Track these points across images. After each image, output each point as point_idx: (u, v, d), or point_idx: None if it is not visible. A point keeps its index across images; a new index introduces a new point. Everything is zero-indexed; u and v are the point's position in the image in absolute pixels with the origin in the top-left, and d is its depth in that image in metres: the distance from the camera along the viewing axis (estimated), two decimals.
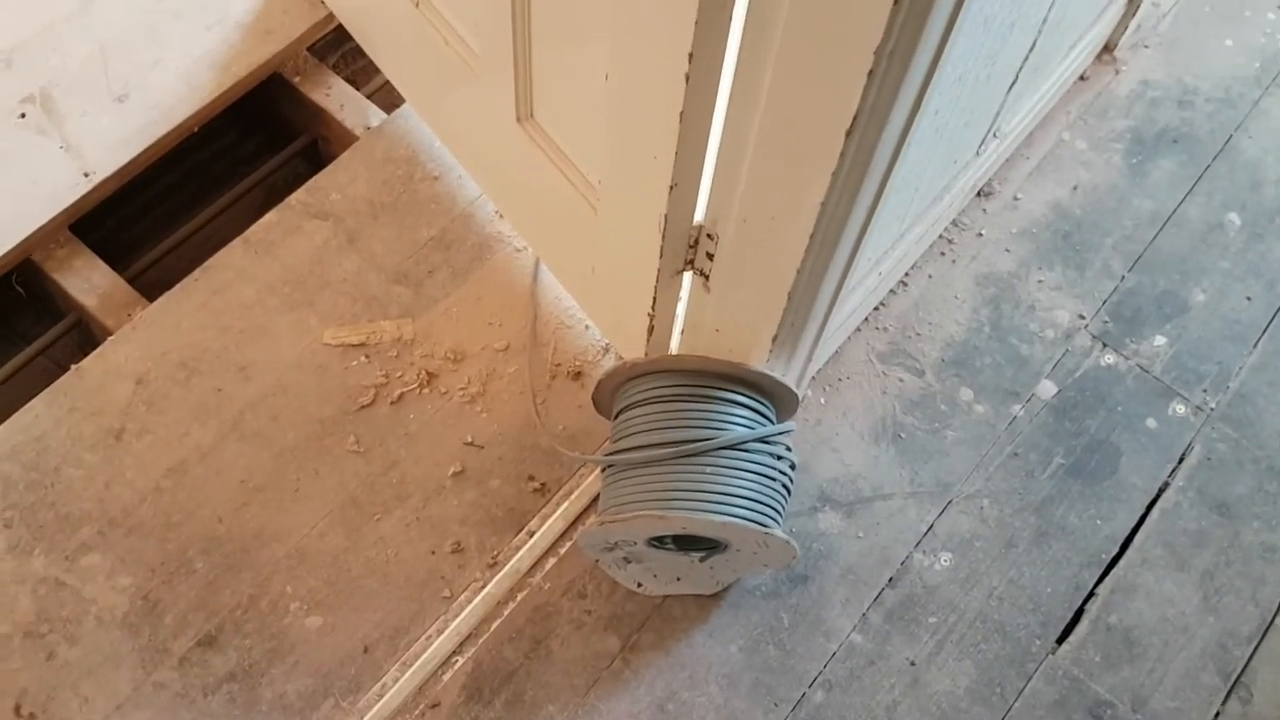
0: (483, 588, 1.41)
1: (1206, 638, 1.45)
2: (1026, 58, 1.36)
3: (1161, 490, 1.53)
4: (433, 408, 1.50)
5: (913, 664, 1.41)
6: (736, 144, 0.99)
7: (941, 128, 1.23)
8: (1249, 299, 1.67)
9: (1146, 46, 1.87)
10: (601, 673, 1.38)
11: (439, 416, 1.50)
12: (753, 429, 1.23)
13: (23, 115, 1.62)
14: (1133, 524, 1.51)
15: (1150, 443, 1.56)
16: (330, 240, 1.61)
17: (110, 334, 1.53)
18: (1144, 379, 1.60)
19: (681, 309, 1.27)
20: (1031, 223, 1.71)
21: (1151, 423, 1.57)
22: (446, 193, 1.65)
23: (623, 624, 1.41)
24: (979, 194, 1.72)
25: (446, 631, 1.38)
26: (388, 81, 1.72)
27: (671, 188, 1.05)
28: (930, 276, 1.66)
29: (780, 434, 1.25)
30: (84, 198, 1.58)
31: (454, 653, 1.38)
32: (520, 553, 1.43)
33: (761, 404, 1.26)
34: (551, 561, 1.43)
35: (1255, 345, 1.64)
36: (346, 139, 1.71)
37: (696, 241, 1.15)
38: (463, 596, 1.41)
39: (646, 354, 1.31)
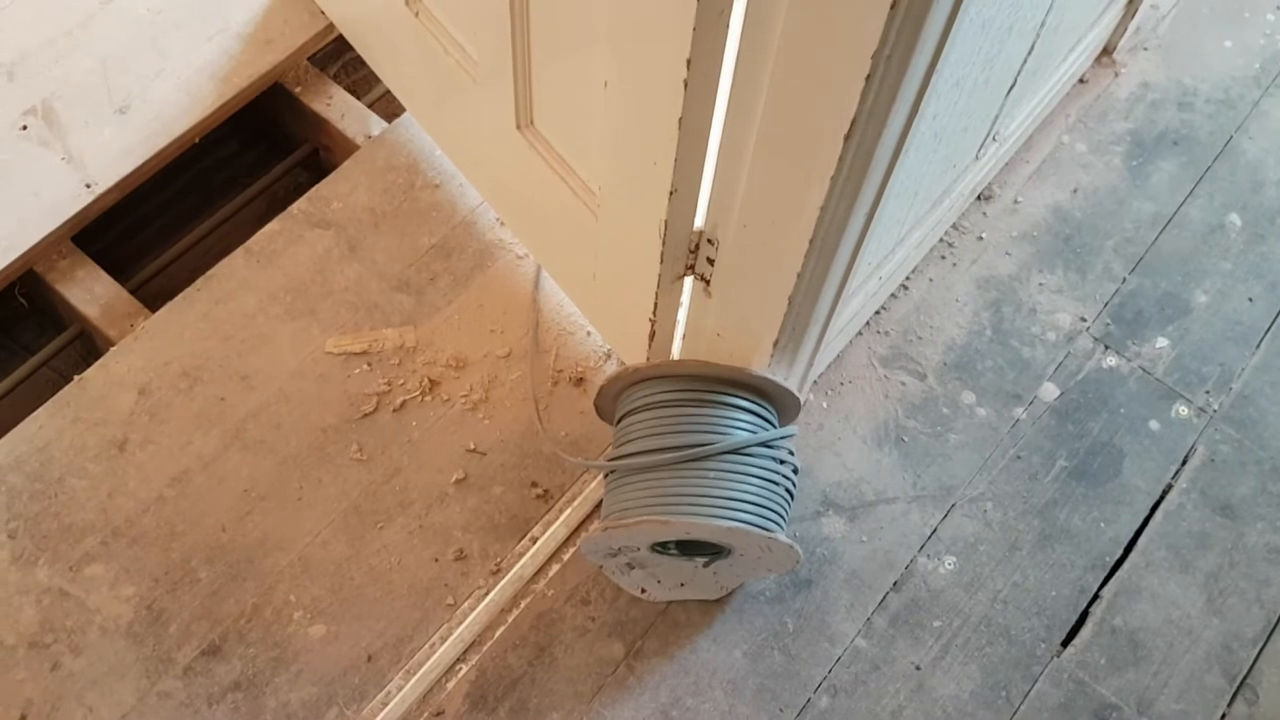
0: (486, 595, 1.41)
1: (1211, 640, 1.44)
2: (1025, 61, 1.37)
3: (1165, 492, 1.53)
4: (435, 415, 1.51)
5: (918, 668, 1.41)
6: (736, 149, 0.99)
7: (940, 132, 1.24)
8: (1251, 300, 1.67)
9: (1145, 49, 1.87)
10: (606, 679, 1.38)
11: (441, 424, 1.50)
12: (755, 433, 1.23)
13: (24, 127, 1.63)
14: (1136, 526, 1.51)
15: (1153, 445, 1.56)
16: (332, 249, 1.61)
17: (113, 344, 1.53)
18: (1146, 381, 1.60)
19: (683, 314, 1.27)
20: (1032, 226, 1.71)
21: (1154, 425, 1.57)
22: (447, 200, 1.66)
23: (627, 630, 1.40)
24: (979, 198, 1.72)
25: (450, 639, 1.38)
26: (388, 91, 1.73)
27: (671, 193, 1.05)
28: (931, 280, 1.66)
29: (783, 438, 1.25)
30: (86, 209, 1.58)
31: (458, 660, 1.38)
32: (523, 559, 1.43)
33: (764, 408, 1.26)
34: (555, 568, 1.43)
35: (1258, 346, 1.64)
36: (347, 148, 1.71)
37: (697, 247, 1.15)
38: (466, 604, 1.41)
39: (648, 359, 1.31)
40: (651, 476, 1.23)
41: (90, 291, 1.57)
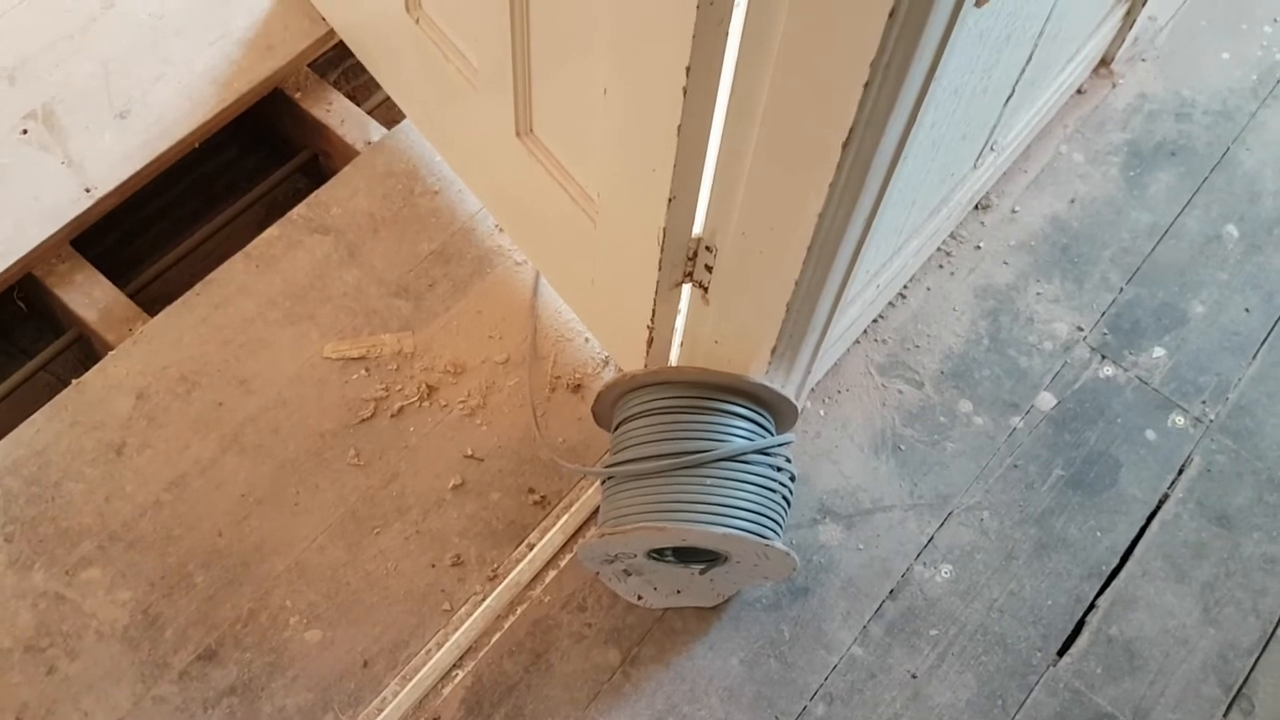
0: (483, 601, 1.41)
1: (1207, 649, 1.44)
2: (1023, 71, 1.37)
3: (1161, 502, 1.53)
4: (433, 421, 1.51)
5: (914, 676, 1.41)
6: (734, 156, 1.00)
7: (938, 140, 1.24)
8: (1247, 310, 1.67)
9: (1143, 60, 1.88)
10: (602, 686, 1.38)
11: (439, 429, 1.50)
12: (752, 441, 1.23)
13: (25, 131, 1.63)
14: (1133, 536, 1.51)
15: (1150, 454, 1.56)
16: (331, 254, 1.61)
17: (111, 348, 1.53)
18: (1143, 391, 1.61)
19: (681, 321, 1.28)
20: (1029, 235, 1.72)
21: (1151, 434, 1.58)
22: (446, 207, 1.66)
23: (623, 637, 1.40)
24: (977, 207, 1.73)
25: (446, 645, 1.38)
26: (388, 97, 1.73)
27: (670, 200, 1.05)
28: (929, 289, 1.66)
29: (780, 445, 1.25)
30: (85, 213, 1.58)
31: (454, 666, 1.38)
32: (520, 566, 1.43)
33: (761, 416, 1.26)
34: (551, 574, 1.43)
35: (1254, 356, 1.64)
36: (347, 154, 1.71)
37: (695, 254, 1.15)
38: (462, 610, 1.40)
39: (646, 366, 1.31)
40: (648, 483, 1.23)
41: (89, 295, 1.57)
